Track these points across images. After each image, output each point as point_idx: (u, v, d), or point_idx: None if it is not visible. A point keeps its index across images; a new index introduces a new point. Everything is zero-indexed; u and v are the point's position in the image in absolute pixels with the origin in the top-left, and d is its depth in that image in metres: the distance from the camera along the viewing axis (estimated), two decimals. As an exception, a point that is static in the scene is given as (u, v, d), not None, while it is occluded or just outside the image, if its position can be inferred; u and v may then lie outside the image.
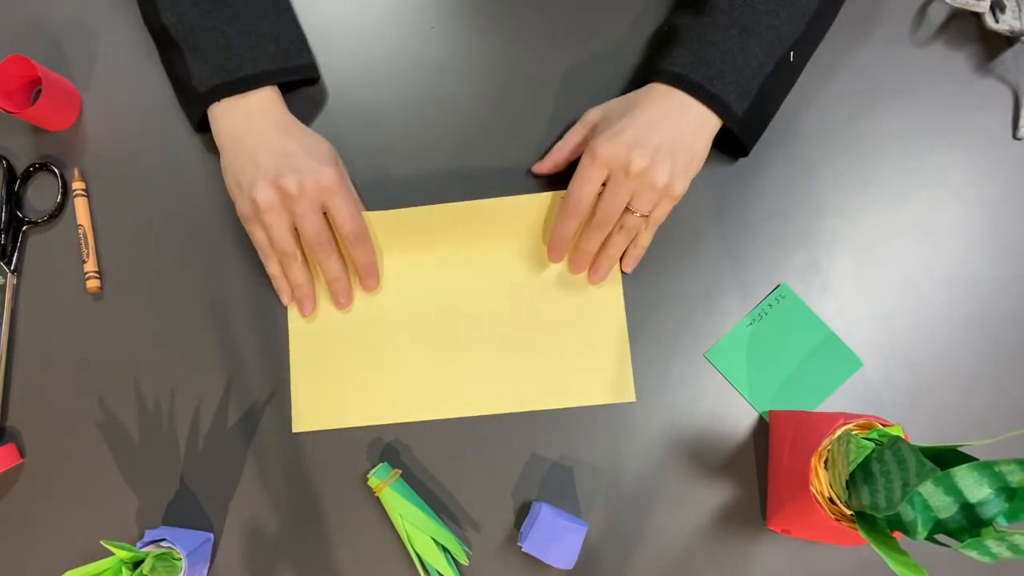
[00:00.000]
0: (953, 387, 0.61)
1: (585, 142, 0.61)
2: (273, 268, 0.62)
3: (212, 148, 0.67)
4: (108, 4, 0.70)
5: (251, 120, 0.60)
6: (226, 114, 0.60)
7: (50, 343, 0.65)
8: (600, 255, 0.61)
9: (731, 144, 0.62)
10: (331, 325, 0.64)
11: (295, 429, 0.63)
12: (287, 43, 0.63)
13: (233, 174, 0.59)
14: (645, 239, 0.61)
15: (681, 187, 0.57)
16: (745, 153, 0.62)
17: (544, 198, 0.63)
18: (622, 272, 0.63)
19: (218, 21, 0.60)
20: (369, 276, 0.62)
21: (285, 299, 0.64)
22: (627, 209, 0.58)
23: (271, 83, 0.61)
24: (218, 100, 0.60)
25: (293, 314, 0.64)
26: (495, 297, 0.63)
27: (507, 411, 0.62)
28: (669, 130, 0.56)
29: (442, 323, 0.63)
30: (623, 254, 0.62)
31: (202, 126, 0.63)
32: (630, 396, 0.62)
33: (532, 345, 0.63)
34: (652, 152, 0.55)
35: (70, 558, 0.62)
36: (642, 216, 0.58)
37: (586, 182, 0.57)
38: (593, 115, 0.62)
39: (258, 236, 0.60)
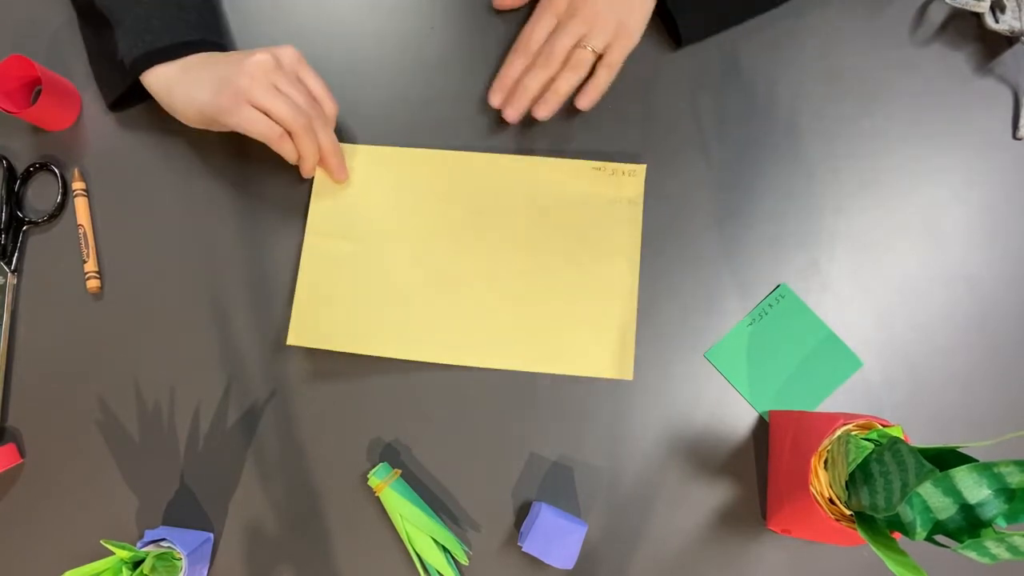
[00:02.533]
0: (953, 387, 0.61)
1: None
2: (286, 147, 0.60)
3: (212, 148, 0.67)
4: (108, 4, 0.70)
5: (187, 66, 0.60)
6: (155, 74, 0.60)
7: (50, 343, 0.65)
8: (548, 92, 0.61)
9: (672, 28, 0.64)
10: (344, 248, 0.64)
11: (289, 342, 0.62)
12: (208, 17, 0.64)
13: (193, 93, 0.59)
14: (603, 78, 0.61)
15: (633, 23, 0.60)
16: (679, 40, 0.64)
17: (571, 164, 0.64)
18: (578, 109, 0.62)
19: None
20: (340, 160, 0.63)
21: (309, 169, 0.62)
22: (578, 46, 0.60)
23: (196, 51, 0.60)
24: (146, 69, 0.60)
25: (311, 231, 0.64)
26: (511, 253, 0.63)
27: (502, 367, 0.62)
28: None
29: (455, 269, 0.63)
30: (580, 91, 0.62)
31: (116, 105, 0.65)
32: (628, 374, 0.61)
33: (540, 306, 0.62)
34: (600, 1, 0.58)
35: (70, 558, 0.62)
36: (593, 52, 0.60)
37: (537, 24, 0.61)
38: None
39: (256, 125, 0.58)
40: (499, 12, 0.68)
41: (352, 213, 0.65)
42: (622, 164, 0.64)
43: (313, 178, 0.65)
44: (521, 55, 0.61)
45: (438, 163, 0.64)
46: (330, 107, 0.62)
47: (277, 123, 0.58)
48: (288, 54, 0.59)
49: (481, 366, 0.62)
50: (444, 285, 0.63)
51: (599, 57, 0.61)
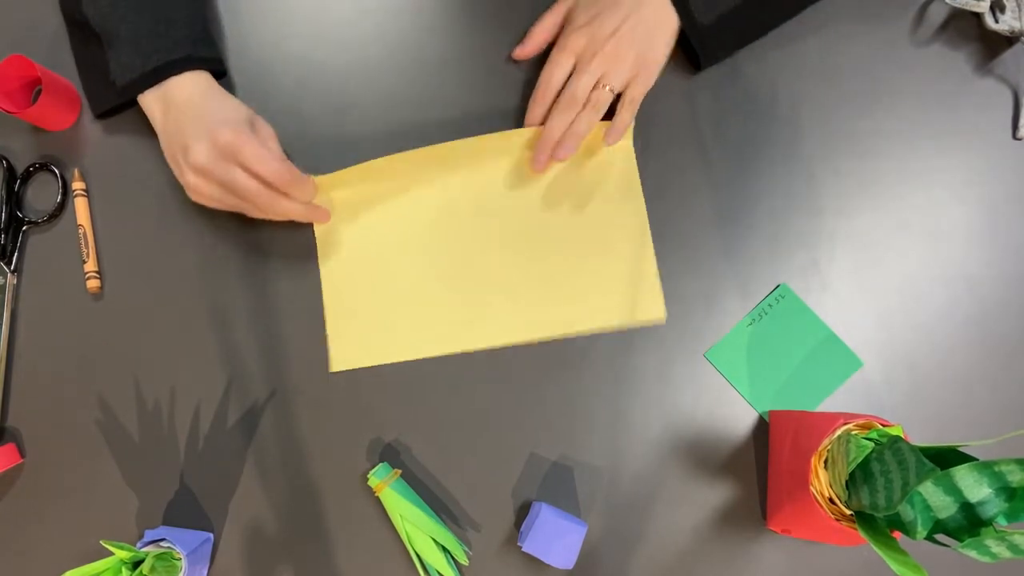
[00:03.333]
0: (953, 387, 0.61)
1: (561, 23, 0.64)
2: (253, 212, 0.60)
3: (212, 148, 0.67)
4: (108, 4, 0.70)
5: (167, 105, 0.60)
6: (145, 100, 0.61)
7: (50, 343, 0.65)
8: (567, 133, 0.61)
9: (692, 54, 0.64)
10: (358, 269, 0.64)
11: (333, 369, 0.63)
12: (197, 29, 0.63)
13: (162, 139, 0.61)
14: (627, 116, 0.61)
15: (651, 61, 0.60)
16: (699, 66, 0.64)
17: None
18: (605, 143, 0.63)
19: (127, 11, 0.60)
20: (315, 213, 0.62)
21: (324, 215, 0.63)
22: (597, 86, 0.60)
23: (181, 71, 0.60)
24: (137, 94, 0.61)
25: (324, 257, 0.65)
26: (519, 224, 0.64)
27: (540, 337, 0.62)
28: (633, 17, 0.59)
29: (467, 254, 0.64)
30: (607, 130, 0.62)
31: (103, 116, 0.66)
32: (660, 315, 0.62)
33: (559, 268, 0.63)
34: (617, 36, 0.58)
35: (70, 558, 0.62)
36: (611, 91, 0.60)
37: (556, 68, 0.61)
38: (568, 0, 0.64)
39: (214, 195, 0.59)
40: (499, 14, 0.68)
41: (357, 230, 0.65)
42: (606, 121, 0.63)
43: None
44: (542, 102, 0.61)
45: (424, 160, 0.64)
46: (279, 177, 0.58)
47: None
48: (222, 143, 0.56)
49: (520, 341, 0.62)
50: (462, 272, 0.64)
51: (620, 93, 0.61)
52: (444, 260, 0.64)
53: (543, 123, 0.62)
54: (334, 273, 0.64)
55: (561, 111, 0.60)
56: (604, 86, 0.60)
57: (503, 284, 0.63)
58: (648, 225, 0.63)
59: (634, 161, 0.64)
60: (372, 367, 0.63)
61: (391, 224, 0.65)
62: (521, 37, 0.66)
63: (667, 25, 0.61)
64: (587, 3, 0.62)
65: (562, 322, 0.62)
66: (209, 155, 0.57)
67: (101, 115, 0.67)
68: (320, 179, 0.62)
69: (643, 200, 0.64)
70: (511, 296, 0.63)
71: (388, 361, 0.63)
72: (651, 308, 0.62)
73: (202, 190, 0.58)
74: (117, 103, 0.63)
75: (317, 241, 0.65)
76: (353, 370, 0.63)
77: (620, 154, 0.64)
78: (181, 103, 0.60)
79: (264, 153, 0.57)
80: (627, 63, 0.59)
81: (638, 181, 0.64)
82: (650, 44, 0.60)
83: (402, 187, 0.65)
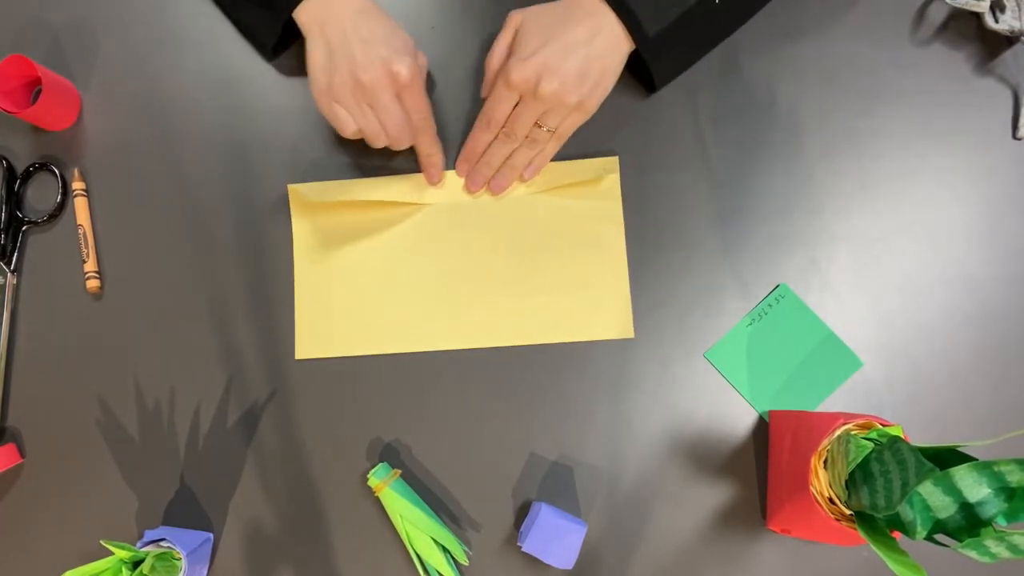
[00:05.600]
0: (953, 387, 0.61)
1: (510, 46, 0.62)
2: (381, 141, 0.62)
3: (213, 148, 0.67)
4: (108, 4, 0.70)
5: (332, 9, 0.59)
6: (307, 11, 0.60)
7: (50, 343, 0.65)
8: (504, 167, 0.63)
9: (644, 73, 0.63)
10: (333, 258, 0.65)
11: (298, 356, 0.64)
12: None
13: (318, 64, 0.59)
14: (550, 150, 0.63)
15: (591, 104, 0.59)
16: (653, 86, 0.64)
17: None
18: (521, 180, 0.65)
19: None
20: (430, 166, 0.65)
21: (435, 174, 0.65)
22: (536, 124, 0.60)
23: None
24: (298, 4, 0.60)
25: (298, 246, 0.65)
26: (498, 236, 0.65)
27: (505, 344, 0.63)
28: (582, 52, 0.57)
29: (443, 260, 0.65)
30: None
31: (276, 48, 0.66)
32: (629, 332, 0.62)
33: (533, 281, 0.64)
34: (561, 76, 0.57)
35: (70, 558, 0.62)
36: (549, 131, 0.60)
37: (499, 102, 0.60)
38: (516, 18, 0.62)
39: (348, 125, 0.60)
40: (499, 14, 0.68)
41: (338, 227, 0.66)
42: (591, 159, 0.65)
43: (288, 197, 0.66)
44: (485, 129, 0.62)
45: (408, 186, 0.66)
46: (418, 136, 0.63)
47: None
48: (403, 74, 0.58)
49: (483, 346, 0.63)
50: (435, 274, 0.64)
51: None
52: (418, 262, 0.65)
53: (483, 151, 0.64)
54: (306, 262, 0.65)
55: (502, 142, 0.62)
56: (542, 126, 0.60)
57: (478, 290, 0.64)
58: (625, 248, 0.64)
59: (618, 185, 0.65)
60: (371, 367, 0.63)
61: (371, 223, 0.65)
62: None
63: (618, 52, 0.59)
64: (536, 25, 0.59)
65: (529, 332, 0.63)
66: (380, 80, 0.57)
67: (273, 52, 0.67)
68: (315, 185, 0.64)
69: (623, 224, 0.64)
70: (484, 302, 0.64)
71: (353, 354, 0.63)
72: (621, 326, 0.63)
73: (344, 104, 0.59)
74: (277, 23, 0.62)
75: (293, 232, 0.65)
76: (353, 370, 0.63)
77: (606, 180, 0.65)
78: (343, 13, 0.59)
79: (424, 104, 0.61)
80: (569, 107, 0.59)
81: (620, 205, 0.64)
82: (596, 85, 0.58)
83: (388, 195, 0.65)
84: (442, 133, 0.66)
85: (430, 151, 0.64)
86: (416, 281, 0.64)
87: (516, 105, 0.60)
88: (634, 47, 0.59)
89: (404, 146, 0.62)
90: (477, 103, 0.66)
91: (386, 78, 0.58)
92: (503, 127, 0.61)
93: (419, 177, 0.66)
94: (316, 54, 0.59)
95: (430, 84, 0.67)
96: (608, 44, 0.58)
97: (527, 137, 0.61)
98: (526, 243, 0.64)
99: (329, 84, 0.58)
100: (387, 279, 0.65)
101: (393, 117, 0.59)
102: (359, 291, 0.64)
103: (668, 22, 0.58)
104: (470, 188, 0.65)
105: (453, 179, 0.65)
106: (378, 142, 0.61)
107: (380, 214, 0.65)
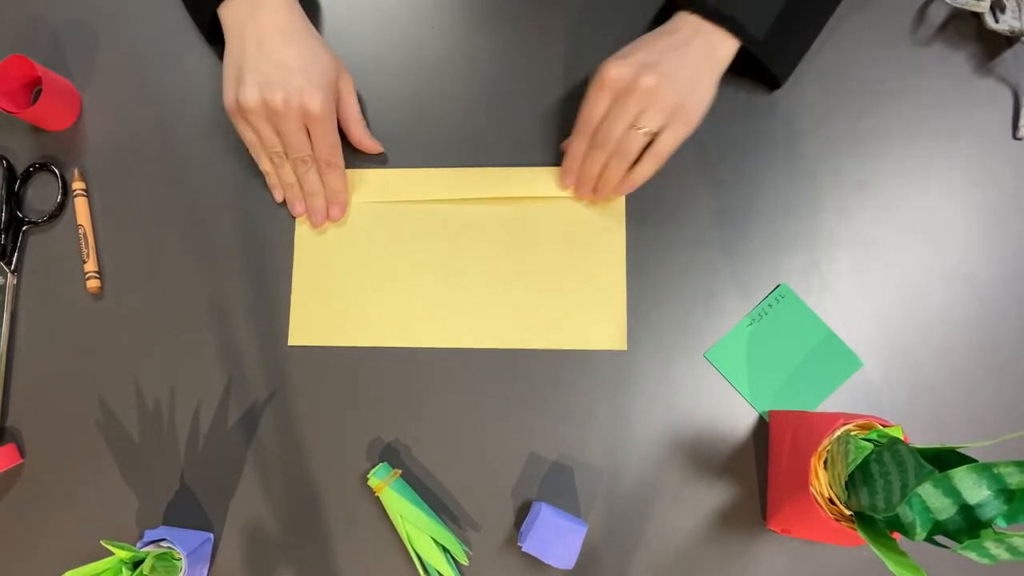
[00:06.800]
0: (953, 387, 0.61)
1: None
2: (265, 164, 0.64)
3: (213, 148, 0.67)
4: (108, 4, 0.70)
5: (256, 16, 0.58)
6: (232, 10, 0.59)
7: (50, 343, 0.65)
8: (599, 183, 0.62)
9: (764, 74, 0.63)
10: (334, 247, 0.65)
11: (291, 343, 0.64)
12: None
13: (230, 67, 0.59)
14: (647, 168, 0.59)
15: (691, 108, 0.57)
16: (776, 83, 0.63)
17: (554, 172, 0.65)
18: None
19: None
20: (334, 203, 0.64)
21: (277, 196, 0.65)
22: (632, 126, 0.57)
23: None
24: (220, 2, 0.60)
25: (300, 231, 0.66)
26: (499, 238, 0.65)
27: (499, 347, 0.63)
28: (679, 55, 0.56)
29: (444, 258, 0.65)
30: (625, 176, 0.61)
31: (211, 36, 0.65)
32: (622, 344, 0.62)
33: (531, 286, 0.64)
34: (660, 71, 0.55)
35: (70, 558, 0.62)
36: (646, 134, 0.57)
37: (593, 104, 0.58)
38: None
39: (246, 134, 0.61)
40: (499, 13, 0.68)
41: (335, 226, 0.66)
42: None
43: None
44: (581, 138, 0.60)
45: (413, 181, 0.66)
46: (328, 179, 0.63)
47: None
48: (313, 109, 0.58)
49: (477, 347, 0.63)
50: (435, 272, 0.64)
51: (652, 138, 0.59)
52: (417, 259, 0.65)
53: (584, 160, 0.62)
54: (307, 249, 0.65)
55: (597, 149, 0.59)
56: (640, 128, 0.57)
57: (476, 291, 0.64)
58: (624, 255, 0.64)
59: (623, 201, 0.64)
60: (372, 367, 0.63)
61: (373, 218, 0.66)
62: (522, 36, 0.66)
63: (717, 59, 0.57)
64: (636, 42, 0.59)
65: (525, 337, 0.63)
66: (285, 105, 0.57)
67: (209, 41, 0.67)
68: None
69: (624, 230, 0.64)
70: (481, 303, 0.64)
71: (346, 344, 0.64)
72: (614, 337, 0.63)
73: (254, 116, 0.59)
74: (204, 15, 0.62)
75: (296, 227, 0.66)
76: (354, 371, 0.63)
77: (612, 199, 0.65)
78: (272, 24, 0.58)
79: (333, 140, 0.61)
80: (666, 108, 0.56)
81: (622, 209, 0.64)
82: (694, 88, 0.56)
83: (389, 200, 0.66)
84: (443, 133, 0.66)
85: (337, 188, 0.63)
86: (414, 276, 0.64)
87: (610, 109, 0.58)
88: (733, 54, 0.58)
89: (303, 174, 0.62)
90: (477, 103, 0.66)
91: (296, 109, 0.57)
92: (597, 134, 0.59)
93: (421, 172, 0.65)
94: (230, 62, 0.59)
95: (362, 102, 0.65)
96: (707, 50, 0.57)
97: (618, 146, 0.58)
98: (526, 243, 0.64)
99: (236, 98, 0.58)
100: (385, 272, 0.65)
101: (296, 145, 0.60)
102: (357, 283, 0.65)
103: (775, 16, 0.57)
104: (579, 193, 0.64)
105: (455, 179, 0.65)
106: (279, 159, 0.61)
107: (383, 209, 0.65)
